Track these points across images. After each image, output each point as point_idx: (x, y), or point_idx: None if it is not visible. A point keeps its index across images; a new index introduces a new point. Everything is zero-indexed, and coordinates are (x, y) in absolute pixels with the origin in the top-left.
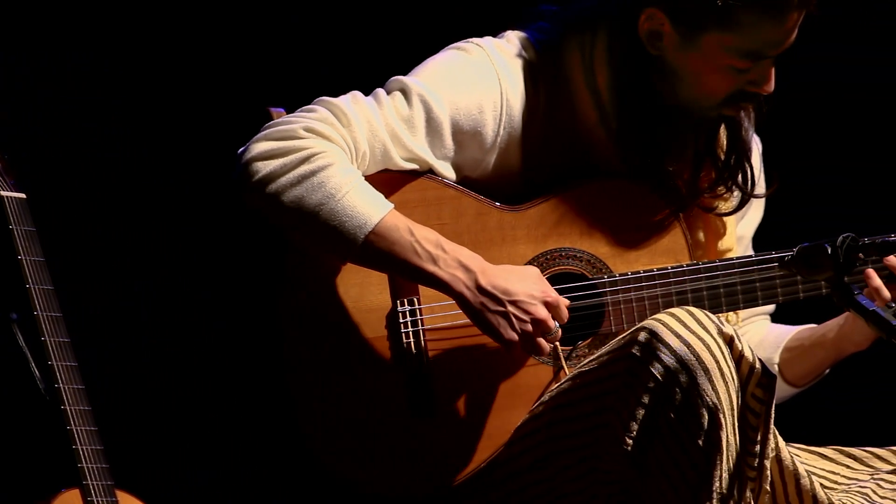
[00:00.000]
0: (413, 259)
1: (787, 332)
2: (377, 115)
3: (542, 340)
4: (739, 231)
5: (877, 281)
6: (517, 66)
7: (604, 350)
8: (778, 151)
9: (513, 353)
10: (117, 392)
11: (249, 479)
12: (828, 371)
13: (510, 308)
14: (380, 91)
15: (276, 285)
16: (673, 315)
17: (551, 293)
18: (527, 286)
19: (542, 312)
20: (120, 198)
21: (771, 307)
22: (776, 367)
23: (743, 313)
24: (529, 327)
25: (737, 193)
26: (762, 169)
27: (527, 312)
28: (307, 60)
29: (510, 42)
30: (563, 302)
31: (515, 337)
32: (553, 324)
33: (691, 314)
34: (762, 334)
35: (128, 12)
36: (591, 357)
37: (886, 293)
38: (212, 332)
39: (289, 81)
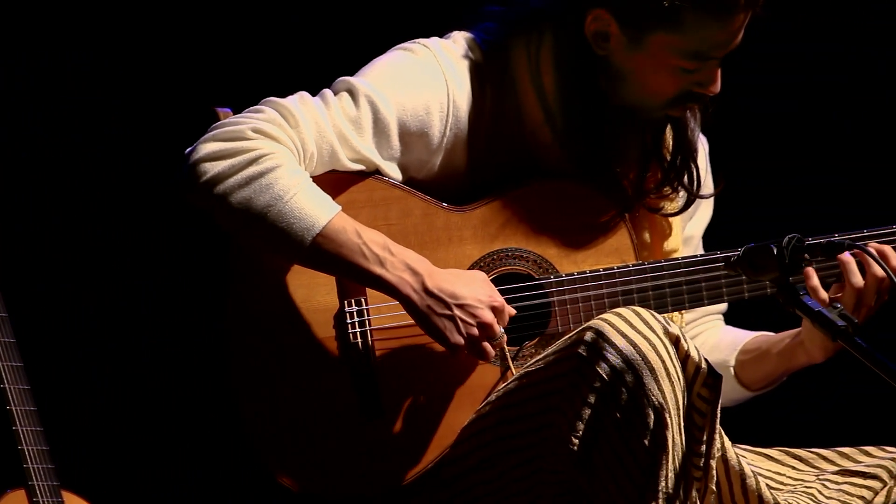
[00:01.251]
0: (360, 261)
1: (745, 336)
2: (325, 115)
3: (487, 344)
4: (689, 231)
5: (814, 280)
6: (464, 66)
7: (550, 350)
8: (726, 151)
9: (458, 356)
10: (63, 392)
11: (196, 480)
12: (784, 378)
13: (457, 312)
14: (327, 92)
15: (224, 286)
16: (619, 315)
17: (497, 297)
18: (474, 290)
19: (489, 316)
20: (69, 198)
21: (723, 307)
22: (731, 369)
23: (695, 314)
24: (475, 331)
25: (683, 194)
26: (708, 169)
27: (473, 316)
28: (254, 60)
29: (456, 42)
30: (509, 308)
31: (462, 341)
32: (499, 328)
33: (637, 314)
34: (718, 336)
35: (74, 13)
36: (538, 357)
37: (823, 294)
38: (159, 333)
39: (235, 81)
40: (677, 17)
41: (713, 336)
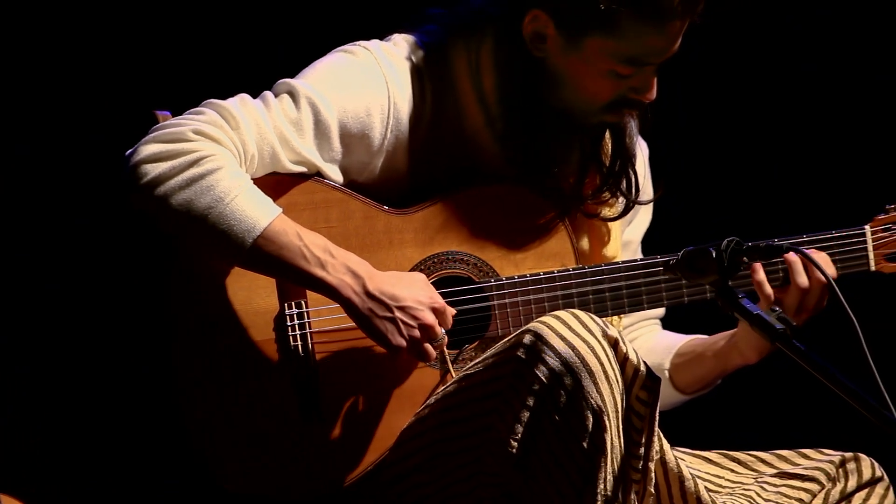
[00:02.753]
0: (301, 264)
1: (680, 340)
2: (265, 117)
3: (428, 346)
4: (627, 236)
5: (760, 275)
6: (404, 69)
7: (489, 353)
8: (666, 155)
9: (399, 358)
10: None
11: (135, 482)
12: (719, 381)
13: (398, 314)
14: (268, 94)
15: (164, 288)
16: (558, 318)
17: (438, 299)
18: (414, 292)
19: (430, 318)
20: (6, 200)
21: (661, 312)
22: (666, 372)
23: (632, 318)
24: (417, 333)
25: (621, 200)
26: (648, 175)
27: (414, 318)
28: (193, 63)
29: (397, 45)
30: (450, 310)
31: (403, 343)
32: (440, 330)
33: (576, 317)
34: (654, 339)
35: (12, 12)
36: (477, 360)
37: (768, 289)
38: (98, 335)
39: (174, 84)
40: (614, 22)
41: (649, 340)
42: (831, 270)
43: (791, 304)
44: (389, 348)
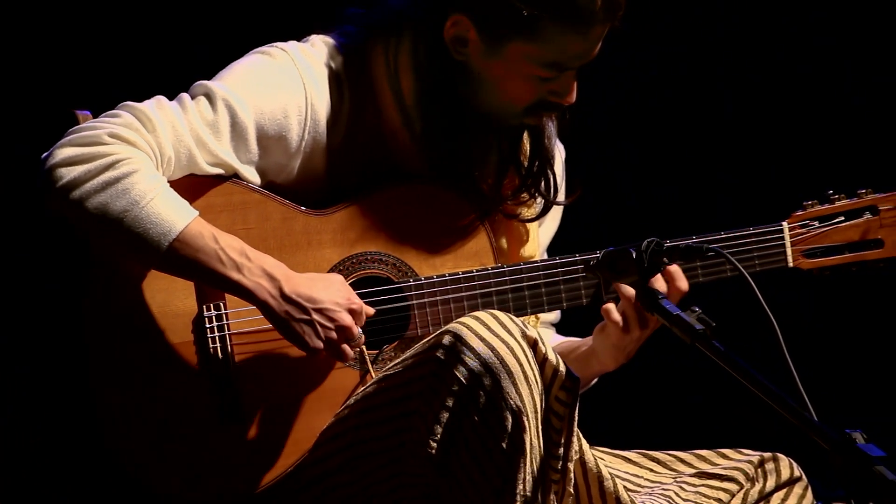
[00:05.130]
0: (217, 267)
1: (555, 341)
2: (182, 119)
3: (346, 347)
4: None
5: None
6: (322, 70)
7: (409, 353)
8: (582, 157)
9: (317, 359)
10: None
11: (52, 484)
12: (589, 386)
13: (315, 316)
14: (184, 96)
15: (81, 291)
16: (477, 318)
17: (355, 300)
18: (331, 293)
19: (347, 319)
20: None
21: (555, 317)
22: None
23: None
24: (334, 335)
25: (540, 200)
26: (564, 177)
27: (332, 320)
28: (112, 64)
29: (315, 46)
30: (368, 311)
31: (321, 345)
32: (357, 330)
33: (496, 317)
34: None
35: None
36: (397, 360)
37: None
38: (13, 337)
39: (93, 85)
40: (536, 27)
41: None
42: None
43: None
44: (307, 350)
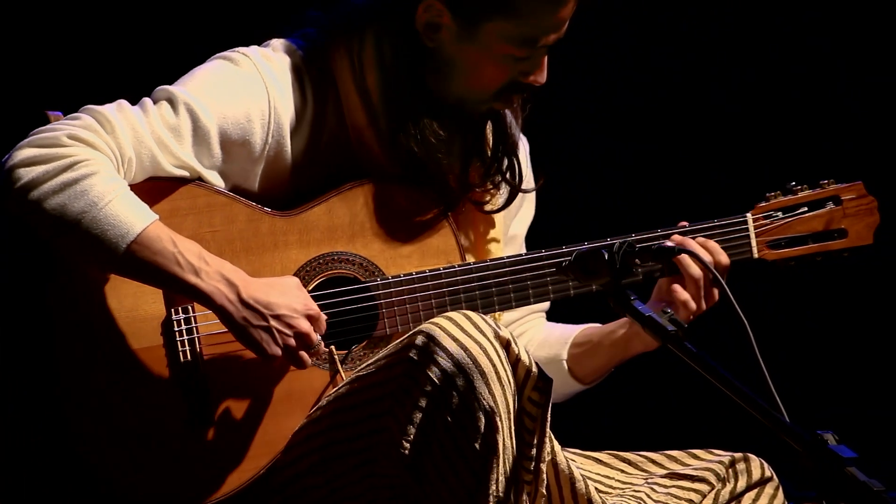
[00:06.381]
0: (175, 270)
1: (574, 329)
2: (143, 122)
3: (304, 354)
4: (513, 230)
5: (684, 295)
6: (284, 74)
7: (381, 354)
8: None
9: (274, 365)
10: None
11: (19, 488)
12: (612, 370)
13: (273, 322)
14: (146, 100)
15: (49, 295)
16: (450, 319)
17: (312, 306)
18: (289, 299)
19: (305, 326)
20: None
21: (546, 305)
22: (564, 363)
23: (518, 313)
24: (292, 341)
25: (504, 189)
26: (529, 167)
27: (290, 326)
28: (76, 67)
29: (276, 50)
30: (324, 316)
31: (278, 352)
32: (316, 336)
33: (468, 318)
34: (544, 332)
35: None
36: (369, 361)
37: (693, 305)
38: None
39: (62, 87)
40: (512, 4)
41: (539, 333)
42: (724, 258)
43: (692, 295)
44: (264, 357)
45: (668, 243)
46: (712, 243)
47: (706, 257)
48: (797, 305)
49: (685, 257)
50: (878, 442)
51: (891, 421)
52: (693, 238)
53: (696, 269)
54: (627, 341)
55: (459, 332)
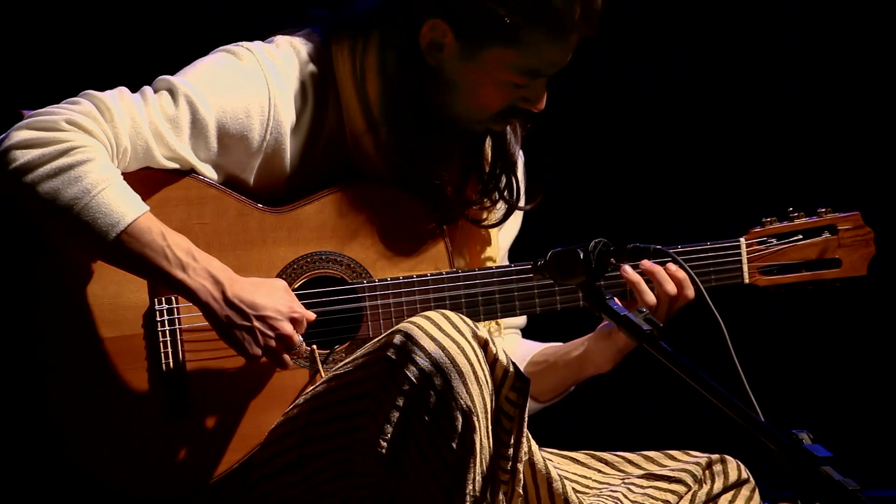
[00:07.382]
0: (162, 263)
1: (535, 348)
2: (142, 112)
3: (286, 356)
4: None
5: (634, 275)
6: (286, 71)
7: (359, 353)
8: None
9: (256, 364)
10: None
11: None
12: (572, 388)
13: (256, 323)
14: (147, 89)
15: (31, 281)
16: (428, 318)
17: (298, 308)
18: (274, 301)
19: (288, 328)
20: None
21: (522, 321)
22: None
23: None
24: (273, 343)
25: (501, 205)
26: (525, 182)
27: (272, 328)
28: (74, 60)
29: (280, 47)
30: (309, 317)
31: (259, 353)
32: (298, 339)
33: (446, 317)
34: (511, 348)
35: None
36: (348, 360)
37: (648, 292)
38: None
39: (51, 82)
40: (516, 35)
41: (507, 349)
42: (689, 293)
43: (661, 310)
44: (246, 356)
45: (633, 274)
46: (682, 274)
47: (671, 290)
48: (775, 309)
49: (659, 273)
50: (854, 440)
51: (866, 419)
52: (670, 262)
53: (651, 297)
54: (581, 362)
55: (437, 331)
